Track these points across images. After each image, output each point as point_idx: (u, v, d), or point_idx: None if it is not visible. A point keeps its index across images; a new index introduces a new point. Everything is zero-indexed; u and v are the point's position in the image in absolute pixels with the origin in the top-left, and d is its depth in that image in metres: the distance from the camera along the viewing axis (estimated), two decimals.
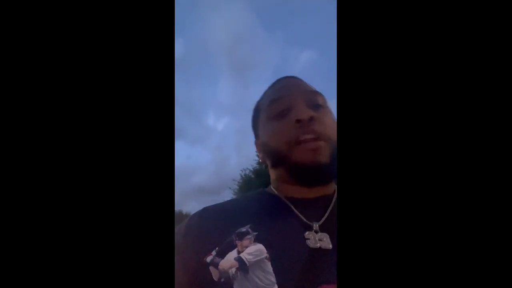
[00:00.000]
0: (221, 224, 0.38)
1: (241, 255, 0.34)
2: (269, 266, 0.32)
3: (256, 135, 0.51)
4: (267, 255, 0.33)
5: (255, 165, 9.30)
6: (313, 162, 0.38)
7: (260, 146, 0.48)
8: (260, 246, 0.34)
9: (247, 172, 9.51)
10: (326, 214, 0.39)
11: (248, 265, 0.33)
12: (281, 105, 0.43)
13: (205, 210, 0.43)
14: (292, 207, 0.40)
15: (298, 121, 0.39)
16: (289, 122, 0.41)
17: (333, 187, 0.44)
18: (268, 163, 0.46)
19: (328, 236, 0.35)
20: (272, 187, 0.46)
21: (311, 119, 0.39)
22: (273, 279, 0.31)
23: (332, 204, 0.41)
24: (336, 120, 0.45)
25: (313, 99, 0.44)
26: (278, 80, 0.50)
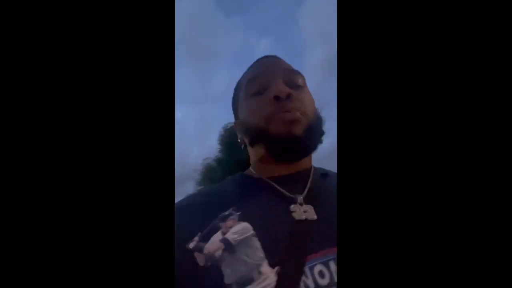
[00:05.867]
0: (201, 213, 0.37)
1: (226, 236, 0.33)
2: (256, 243, 0.32)
3: (236, 116, 0.50)
4: (254, 232, 0.33)
5: (217, 153, 9.19)
6: (289, 133, 0.38)
7: (239, 125, 0.47)
8: (245, 224, 0.34)
9: (209, 161, 9.35)
10: (308, 187, 0.40)
11: (234, 244, 0.32)
12: (259, 83, 0.43)
13: (181, 202, 0.41)
14: (274, 184, 0.40)
15: (277, 97, 0.39)
16: (267, 98, 0.40)
17: (309, 163, 0.45)
18: (247, 141, 0.45)
19: (312, 207, 0.36)
20: (251, 169, 0.46)
21: (289, 96, 0.39)
22: (262, 254, 0.31)
23: (311, 177, 0.42)
24: (313, 100, 0.46)
25: (292, 79, 0.43)
26: (258, 60, 0.49)
